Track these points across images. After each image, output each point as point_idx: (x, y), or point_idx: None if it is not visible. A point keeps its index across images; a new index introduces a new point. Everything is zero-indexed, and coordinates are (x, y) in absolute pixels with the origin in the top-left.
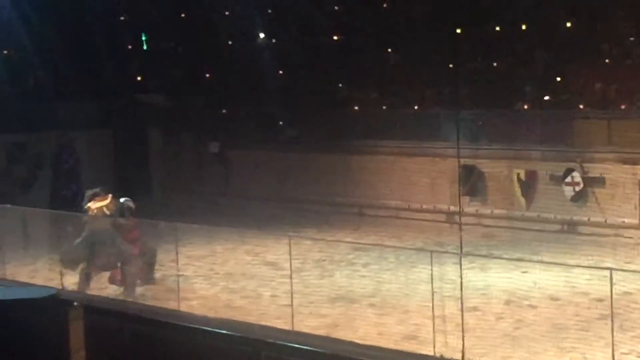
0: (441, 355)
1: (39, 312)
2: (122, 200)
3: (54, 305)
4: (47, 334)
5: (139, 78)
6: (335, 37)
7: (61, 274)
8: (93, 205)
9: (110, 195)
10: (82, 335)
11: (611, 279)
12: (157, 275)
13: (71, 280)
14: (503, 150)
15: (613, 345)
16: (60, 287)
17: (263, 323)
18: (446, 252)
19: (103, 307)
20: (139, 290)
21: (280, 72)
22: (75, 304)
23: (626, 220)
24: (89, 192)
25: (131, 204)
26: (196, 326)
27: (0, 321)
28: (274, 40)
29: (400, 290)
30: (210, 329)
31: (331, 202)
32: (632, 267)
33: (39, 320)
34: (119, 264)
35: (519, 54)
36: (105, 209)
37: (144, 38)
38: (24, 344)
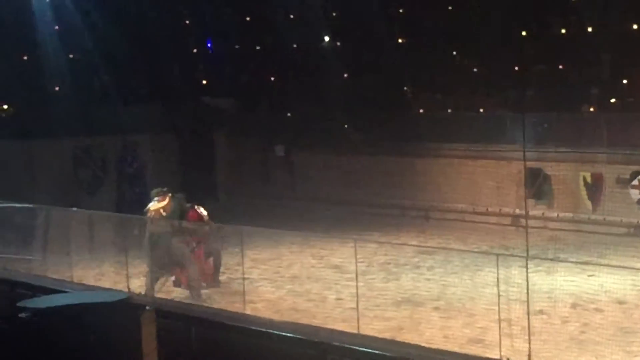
0: (507, 359)
1: (111, 315)
2: (177, 197)
3: (126, 309)
4: (120, 337)
5: (204, 82)
6: (400, 40)
7: (127, 278)
8: (152, 207)
9: (168, 196)
10: (154, 338)
11: None
12: (223, 277)
13: (137, 284)
14: (569, 153)
15: None
16: (127, 291)
17: (328, 326)
18: (512, 255)
19: (172, 311)
20: (204, 292)
21: (345, 75)
22: (147, 307)
23: None
24: (153, 192)
25: (202, 210)
26: (262, 329)
27: (73, 325)
28: (338, 43)
29: (465, 293)
30: (276, 331)
31: (396, 205)
32: None
33: (112, 324)
34: (179, 266)
35: (585, 56)
36: (162, 211)
37: (211, 42)
38: (97, 347)
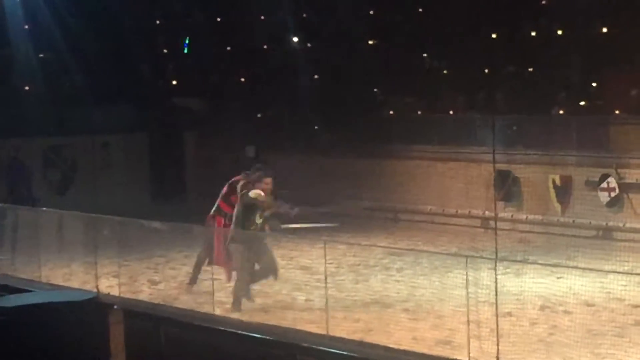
0: None
1: (79, 315)
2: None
3: (94, 308)
4: (88, 336)
5: (174, 82)
6: (370, 42)
7: (96, 277)
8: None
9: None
10: (122, 339)
11: None
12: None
13: (106, 284)
14: (538, 156)
15: None
16: (96, 290)
17: (297, 327)
18: (481, 257)
19: (141, 311)
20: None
21: (316, 76)
22: (115, 307)
23: None
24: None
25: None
26: (230, 330)
27: (41, 324)
28: (309, 45)
29: (434, 295)
30: (244, 332)
31: (366, 207)
32: None
33: (80, 323)
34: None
35: (555, 59)
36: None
37: (182, 42)
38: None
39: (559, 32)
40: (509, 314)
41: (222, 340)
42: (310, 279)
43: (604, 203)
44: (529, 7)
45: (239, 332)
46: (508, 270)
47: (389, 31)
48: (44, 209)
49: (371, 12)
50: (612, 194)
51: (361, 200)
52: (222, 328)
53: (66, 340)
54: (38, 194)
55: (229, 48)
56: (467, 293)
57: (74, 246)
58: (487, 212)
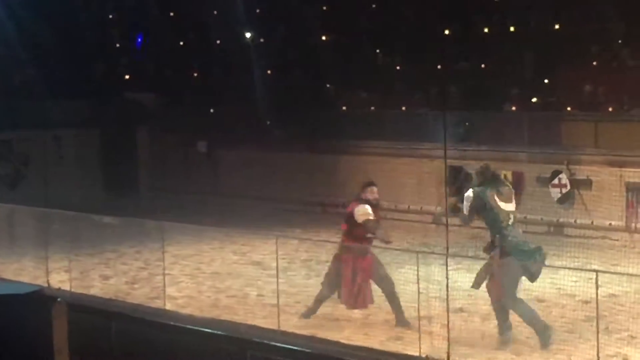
0: (426, 356)
1: (21, 308)
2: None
3: (37, 301)
4: (30, 330)
5: (127, 77)
6: (323, 37)
7: (47, 272)
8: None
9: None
10: (65, 332)
11: (597, 281)
12: (144, 273)
13: (57, 279)
14: (490, 152)
15: (598, 347)
16: (46, 286)
17: (249, 322)
18: (432, 252)
19: (88, 305)
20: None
21: (269, 71)
22: (58, 300)
23: (613, 222)
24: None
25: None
26: (182, 325)
27: None
28: (262, 40)
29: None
30: (196, 327)
31: (319, 202)
32: (618, 269)
33: (22, 317)
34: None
35: (507, 55)
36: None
37: (134, 37)
38: (5, 340)
39: (512, 29)
40: (461, 309)
41: (173, 336)
42: (262, 274)
43: (555, 199)
44: (482, 4)
45: (190, 327)
46: (459, 266)
47: (342, 27)
48: None
49: (324, 8)
50: (564, 190)
51: (314, 196)
52: (174, 323)
53: (8, 333)
54: None
55: (182, 43)
56: (419, 288)
57: (25, 241)
58: (438, 208)
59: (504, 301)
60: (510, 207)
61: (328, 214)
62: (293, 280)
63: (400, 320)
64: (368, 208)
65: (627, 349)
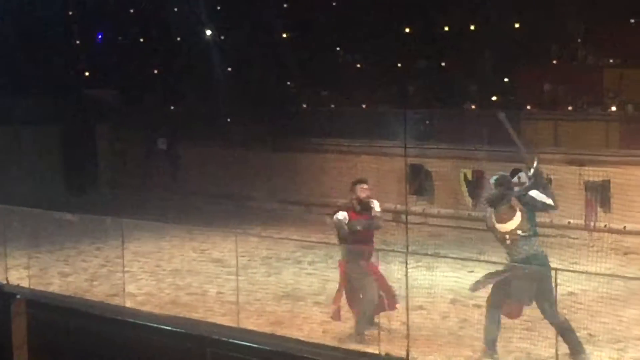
0: (386, 354)
1: None
2: None
3: None
4: None
5: (88, 74)
6: (284, 35)
7: (6, 269)
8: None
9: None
10: (24, 329)
11: (556, 279)
12: (103, 270)
13: (16, 275)
14: (450, 150)
15: (557, 345)
16: (5, 283)
17: (209, 320)
18: (392, 250)
19: (47, 302)
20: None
21: (229, 69)
22: (17, 296)
23: (572, 221)
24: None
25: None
26: (141, 322)
27: None
28: (223, 38)
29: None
30: (155, 325)
31: (279, 200)
32: (577, 267)
33: None
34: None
35: (467, 54)
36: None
37: (95, 34)
38: None
39: (472, 27)
40: (420, 307)
41: (132, 333)
42: (222, 272)
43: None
44: (442, 2)
45: (150, 324)
46: (419, 263)
47: (303, 25)
48: None
49: (285, 6)
50: None
51: (274, 193)
52: (133, 320)
53: None
54: None
55: (142, 40)
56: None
57: None
58: (398, 206)
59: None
60: (507, 226)
61: (289, 212)
62: (253, 277)
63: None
64: (341, 214)
65: (585, 347)
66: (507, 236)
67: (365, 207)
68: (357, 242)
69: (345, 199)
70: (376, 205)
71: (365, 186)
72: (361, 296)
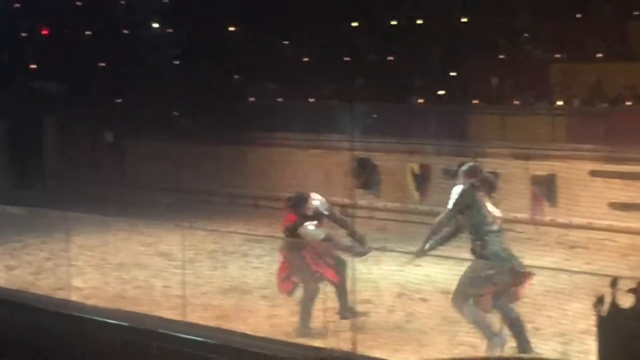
0: (332, 348)
1: None
2: None
3: None
4: None
5: (34, 66)
6: (232, 28)
7: None
8: None
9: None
10: None
11: None
12: (49, 264)
13: None
14: (397, 144)
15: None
16: None
17: (155, 313)
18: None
19: None
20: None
21: (176, 61)
22: None
23: (518, 215)
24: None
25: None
26: (87, 316)
27: None
28: (170, 30)
29: None
30: (101, 319)
31: (226, 194)
32: (523, 261)
33: None
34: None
35: (415, 48)
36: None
37: (41, 26)
38: None
39: (419, 22)
40: (367, 301)
41: (78, 327)
42: (169, 266)
43: None
44: None
45: (96, 318)
46: (367, 257)
47: (251, 17)
48: None
49: None
50: None
51: (221, 187)
52: (79, 314)
53: None
54: None
55: (89, 32)
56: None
57: None
58: (345, 200)
59: (454, 301)
60: (498, 212)
61: (236, 205)
62: (199, 271)
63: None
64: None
65: (531, 341)
66: (498, 222)
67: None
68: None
69: (291, 192)
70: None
71: (310, 199)
72: (302, 290)
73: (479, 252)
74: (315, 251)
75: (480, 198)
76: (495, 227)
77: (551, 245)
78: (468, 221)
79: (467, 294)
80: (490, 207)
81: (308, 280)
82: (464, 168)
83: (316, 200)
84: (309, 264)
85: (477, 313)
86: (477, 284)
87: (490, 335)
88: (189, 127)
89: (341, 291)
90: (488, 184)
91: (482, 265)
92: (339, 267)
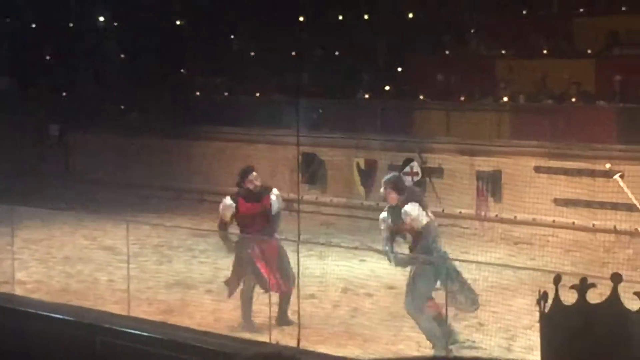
0: (277, 342)
1: None
2: None
3: None
4: None
5: None
6: (178, 22)
7: None
8: None
9: None
10: None
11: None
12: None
13: None
14: (343, 139)
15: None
16: None
17: (99, 308)
18: (284, 239)
19: None
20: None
21: (122, 55)
22: None
23: (463, 210)
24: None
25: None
26: (31, 310)
27: None
28: (116, 24)
29: None
30: (45, 313)
31: (172, 188)
32: (468, 257)
33: None
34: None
35: (361, 43)
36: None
37: None
38: None
39: (366, 17)
40: (312, 296)
41: (22, 321)
42: (113, 260)
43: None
44: None
45: (40, 312)
46: (311, 252)
47: (197, 12)
48: None
49: None
50: (415, 178)
51: (167, 181)
52: (22, 308)
53: None
54: None
55: (34, 25)
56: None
57: None
58: (291, 194)
59: (407, 307)
60: (428, 217)
61: (181, 200)
62: (144, 265)
63: (283, 320)
64: (229, 199)
65: (475, 336)
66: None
67: (261, 195)
68: (247, 228)
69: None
70: (275, 194)
71: (254, 174)
72: (241, 285)
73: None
74: (264, 257)
75: (424, 209)
76: (434, 233)
77: (496, 241)
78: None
79: (417, 300)
80: (422, 215)
81: (248, 276)
82: (385, 179)
83: (274, 195)
84: (257, 265)
85: (431, 323)
86: (424, 289)
87: (441, 346)
88: (135, 121)
89: (286, 301)
90: (412, 193)
91: (426, 269)
92: (289, 279)
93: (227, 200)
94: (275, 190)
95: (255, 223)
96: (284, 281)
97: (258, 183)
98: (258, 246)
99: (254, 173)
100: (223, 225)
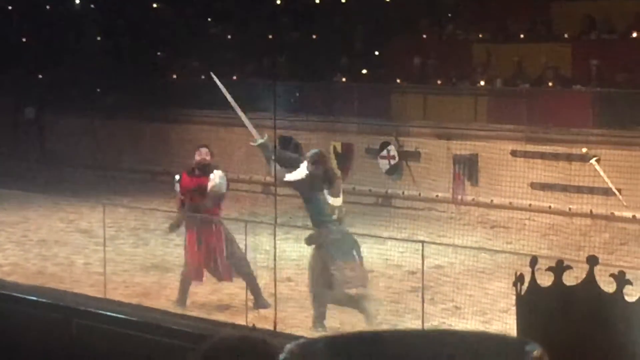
0: (253, 325)
1: None
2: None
3: None
4: None
5: None
6: (155, 5)
7: None
8: None
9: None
10: None
11: (423, 251)
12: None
13: None
14: (320, 122)
15: (423, 317)
16: None
17: (75, 290)
18: (261, 222)
19: None
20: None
21: (99, 37)
22: None
23: (440, 194)
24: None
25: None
26: (7, 292)
27: None
28: (92, 6)
29: None
30: (21, 295)
31: (148, 171)
32: (444, 240)
33: None
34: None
35: (338, 26)
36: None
37: None
38: None
39: (342, 0)
40: (288, 279)
41: None
42: (90, 243)
43: (384, 171)
44: None
45: (15, 294)
46: (288, 235)
47: None
48: None
49: None
50: (392, 162)
51: (143, 164)
52: None
53: None
54: None
55: (10, 7)
56: (247, 258)
57: None
58: (267, 178)
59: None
60: (338, 201)
61: (158, 183)
62: (121, 248)
63: (259, 302)
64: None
65: (452, 320)
66: (336, 211)
67: (203, 171)
68: (193, 208)
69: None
70: (217, 174)
71: (203, 150)
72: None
73: (316, 240)
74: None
75: (320, 189)
76: (334, 217)
77: (472, 225)
78: (308, 211)
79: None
80: (329, 197)
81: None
82: (309, 153)
83: (216, 174)
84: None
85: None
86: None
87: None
88: (111, 103)
89: (252, 287)
90: (329, 174)
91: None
92: (242, 265)
93: (177, 175)
94: (218, 171)
95: (192, 198)
96: (237, 267)
97: (207, 157)
98: (197, 230)
99: (205, 149)
100: (179, 201)
